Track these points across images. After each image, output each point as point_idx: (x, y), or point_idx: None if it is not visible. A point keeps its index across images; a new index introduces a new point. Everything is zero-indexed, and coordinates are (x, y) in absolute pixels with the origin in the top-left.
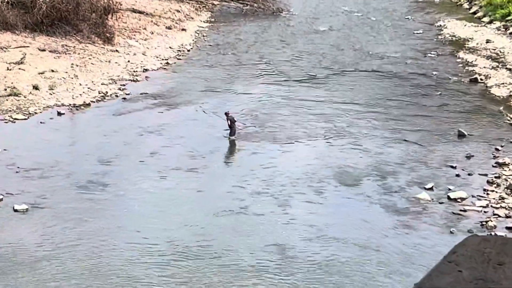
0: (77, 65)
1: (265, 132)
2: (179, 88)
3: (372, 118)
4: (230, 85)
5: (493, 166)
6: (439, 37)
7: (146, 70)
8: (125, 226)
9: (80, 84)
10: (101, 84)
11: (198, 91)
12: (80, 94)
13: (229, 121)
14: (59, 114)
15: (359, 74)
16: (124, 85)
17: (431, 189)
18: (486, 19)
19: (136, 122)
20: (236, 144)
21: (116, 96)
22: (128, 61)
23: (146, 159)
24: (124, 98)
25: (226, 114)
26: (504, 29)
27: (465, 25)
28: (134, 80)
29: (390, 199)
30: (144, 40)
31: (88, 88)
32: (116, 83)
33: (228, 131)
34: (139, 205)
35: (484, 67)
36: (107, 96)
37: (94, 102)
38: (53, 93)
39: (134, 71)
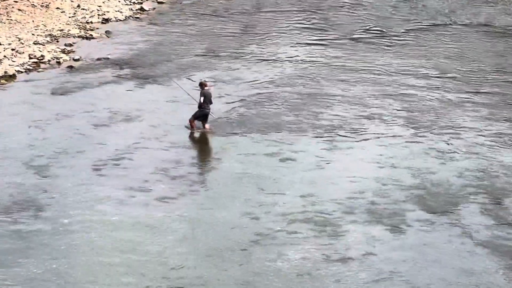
0: None
1: (301, 120)
2: (161, 51)
3: (478, 102)
4: (245, 45)
5: None
6: None
7: (107, 20)
8: (73, 272)
9: (0, 44)
10: (34, 43)
11: (192, 55)
12: None
13: (202, 97)
14: None
15: (456, 29)
16: (71, 45)
17: None
18: None
19: (90, 104)
20: (208, 137)
21: (58, 62)
22: (78, 6)
23: (105, 165)
24: (71, 67)
25: (202, 84)
26: None
27: None
28: (87, 37)
29: (506, 236)
30: None
31: (13, 49)
32: (57, 41)
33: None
34: (95, 239)
35: None
36: (44, 62)
37: (21, 72)
38: None
39: (87, 23)
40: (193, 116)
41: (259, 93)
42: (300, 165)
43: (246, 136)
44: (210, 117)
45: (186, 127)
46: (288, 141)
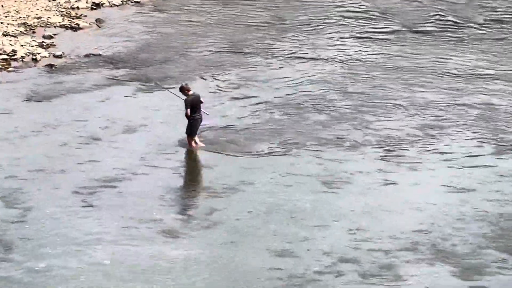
0: None
1: (351, 132)
2: (167, 45)
3: None
4: (278, 37)
5: None
6: None
7: (99, 5)
8: None
9: None
10: (3, 34)
11: (207, 51)
12: None
13: (188, 105)
14: None
15: None
16: (51, 37)
17: None
18: None
19: (77, 114)
20: (199, 158)
21: (34, 60)
22: None
23: (97, 190)
24: (51, 65)
25: (183, 89)
26: None
27: None
28: (72, 27)
29: None
30: None
31: None
32: (34, 32)
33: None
34: None
35: None
36: (16, 59)
37: None
38: None
39: (72, 8)
40: (186, 132)
41: (297, 98)
42: (349, 190)
43: (280, 151)
44: (203, 123)
45: (186, 144)
46: (334, 158)
